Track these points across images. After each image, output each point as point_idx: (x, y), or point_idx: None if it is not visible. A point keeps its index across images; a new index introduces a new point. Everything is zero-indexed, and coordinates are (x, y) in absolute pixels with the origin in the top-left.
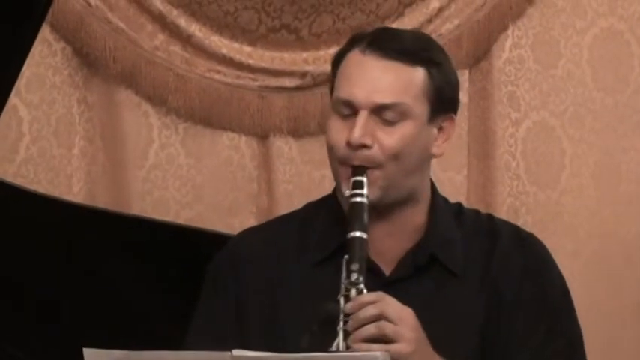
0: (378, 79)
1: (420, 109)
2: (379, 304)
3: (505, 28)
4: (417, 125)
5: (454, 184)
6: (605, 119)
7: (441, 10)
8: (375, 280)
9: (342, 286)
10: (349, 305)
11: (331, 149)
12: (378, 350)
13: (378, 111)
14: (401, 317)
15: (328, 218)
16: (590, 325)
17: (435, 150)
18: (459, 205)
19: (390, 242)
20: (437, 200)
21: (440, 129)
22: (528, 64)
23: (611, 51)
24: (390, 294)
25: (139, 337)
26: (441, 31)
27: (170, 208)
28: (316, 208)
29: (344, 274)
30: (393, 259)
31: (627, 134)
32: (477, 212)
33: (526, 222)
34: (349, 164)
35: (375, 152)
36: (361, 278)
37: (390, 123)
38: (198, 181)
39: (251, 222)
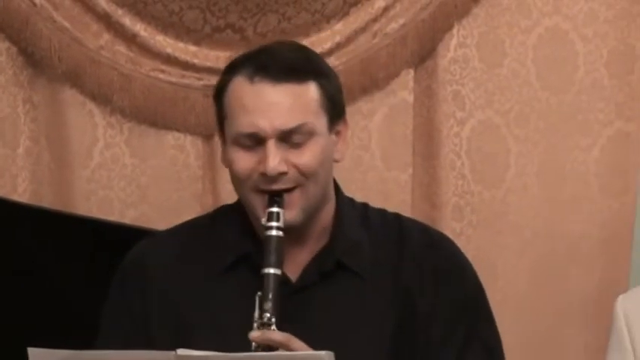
0: (276, 105)
1: (321, 122)
2: (294, 343)
3: (450, 27)
4: (322, 139)
5: (399, 183)
6: (550, 118)
7: (386, 9)
8: (282, 288)
9: (255, 325)
10: (256, 334)
11: (241, 180)
12: None
13: (285, 136)
14: None
15: (234, 225)
16: (536, 324)
17: (336, 155)
18: (364, 205)
19: (296, 249)
20: (341, 202)
21: (337, 133)
22: (473, 63)
23: (556, 50)
24: (296, 301)
25: (82, 337)
26: (387, 31)
27: (115, 208)
28: (226, 212)
29: (256, 313)
30: (299, 265)
31: (572, 133)
32: (383, 212)
33: (471, 221)
34: (266, 191)
35: (292, 175)
36: (273, 319)
37: (298, 145)
38: (143, 180)
39: None
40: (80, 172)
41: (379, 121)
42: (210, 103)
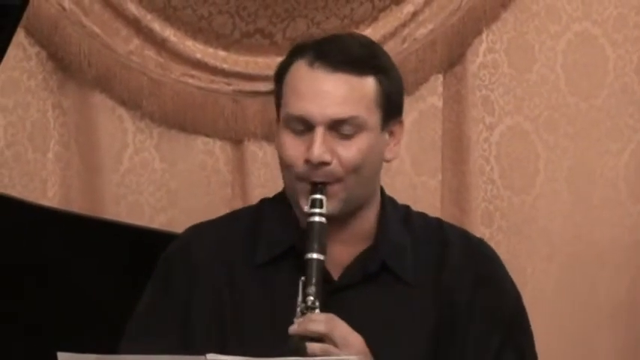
0: (331, 93)
1: (374, 118)
2: (329, 323)
3: (479, 33)
4: (372, 135)
5: (428, 188)
6: (579, 124)
7: (415, 14)
8: (324, 286)
9: (298, 309)
10: (298, 321)
11: (287, 166)
12: None
13: (334, 126)
14: (347, 343)
15: (278, 218)
16: (565, 329)
17: (387, 155)
18: (406, 207)
19: (340, 247)
20: (386, 204)
21: (391, 133)
22: (502, 68)
23: (586, 55)
24: (337, 300)
25: (109, 340)
26: (416, 36)
27: (144, 213)
28: (269, 205)
29: (300, 297)
30: (342, 264)
31: (601, 139)
32: (424, 216)
33: (500, 226)
34: (308, 180)
35: (334, 167)
36: (317, 302)
37: (347, 136)
38: (173, 185)
39: None
40: (110, 176)
41: (408, 127)
42: (239, 108)
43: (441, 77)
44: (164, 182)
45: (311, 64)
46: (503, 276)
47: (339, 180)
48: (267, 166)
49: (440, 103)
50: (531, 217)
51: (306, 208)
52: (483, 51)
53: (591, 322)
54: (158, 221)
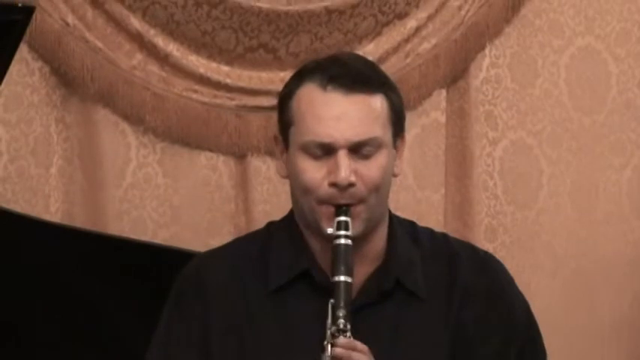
0: (349, 116)
1: (388, 135)
2: (370, 357)
3: (482, 47)
4: (387, 152)
5: (431, 203)
6: (582, 139)
7: (418, 29)
8: None
9: (329, 332)
10: (341, 341)
11: (307, 190)
12: None
13: (356, 148)
14: None
15: (288, 242)
16: (568, 343)
17: (395, 170)
18: (411, 223)
19: (354, 268)
20: (393, 221)
21: (396, 149)
22: (506, 83)
23: (589, 70)
24: (356, 320)
25: (115, 355)
26: (419, 51)
27: (147, 228)
28: (277, 229)
29: (329, 320)
30: (356, 284)
31: (604, 153)
32: (431, 231)
33: (504, 241)
34: (333, 203)
35: (359, 188)
36: (348, 325)
37: (367, 156)
38: (176, 200)
39: None
40: (113, 192)
41: (412, 142)
42: (242, 123)
43: (444, 92)
44: (167, 197)
45: (323, 88)
46: (512, 290)
47: (362, 201)
48: (271, 181)
49: (443, 118)
50: (534, 232)
51: (330, 231)
52: (486, 66)
53: (594, 337)
54: (161, 236)
